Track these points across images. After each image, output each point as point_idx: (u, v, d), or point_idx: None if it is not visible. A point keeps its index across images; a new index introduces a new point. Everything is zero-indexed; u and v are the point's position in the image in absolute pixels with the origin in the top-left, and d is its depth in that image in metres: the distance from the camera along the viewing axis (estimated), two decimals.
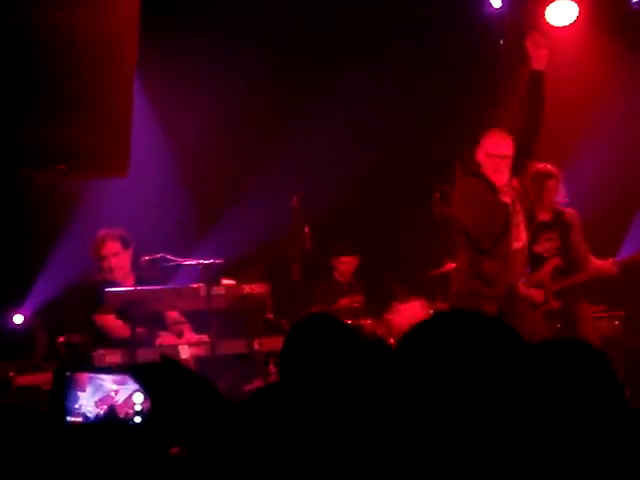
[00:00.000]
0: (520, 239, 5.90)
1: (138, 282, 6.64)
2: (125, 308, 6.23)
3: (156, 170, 8.33)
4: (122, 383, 1.98)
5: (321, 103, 8.69)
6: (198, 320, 6.77)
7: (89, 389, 1.98)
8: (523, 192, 5.92)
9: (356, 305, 8.26)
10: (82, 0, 6.29)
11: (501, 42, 9.24)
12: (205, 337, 6.54)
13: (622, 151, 8.79)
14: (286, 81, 8.90)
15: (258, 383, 6.75)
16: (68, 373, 2.01)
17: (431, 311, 7.26)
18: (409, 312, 7.69)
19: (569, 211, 7.00)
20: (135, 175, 6.91)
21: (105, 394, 1.99)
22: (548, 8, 8.78)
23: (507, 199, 5.81)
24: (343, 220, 8.84)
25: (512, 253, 5.85)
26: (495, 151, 5.84)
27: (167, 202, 8.46)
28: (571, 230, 6.92)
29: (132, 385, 1.99)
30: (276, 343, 6.90)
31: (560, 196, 6.93)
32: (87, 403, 1.98)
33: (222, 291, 6.41)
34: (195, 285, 6.39)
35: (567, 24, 8.83)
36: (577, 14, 8.76)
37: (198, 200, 8.63)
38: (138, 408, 1.97)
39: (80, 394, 1.99)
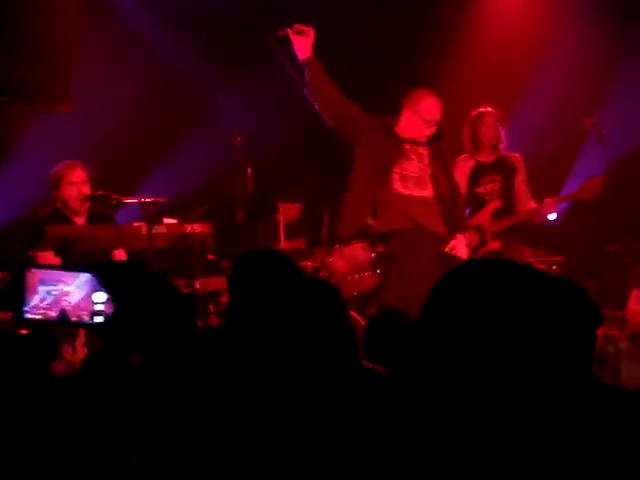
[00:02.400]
0: (425, 189, 6.04)
1: (90, 220, 6.58)
2: (65, 245, 6.16)
3: (99, 107, 8.23)
4: (76, 284, 1.94)
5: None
6: (140, 259, 6.72)
7: (41, 289, 1.93)
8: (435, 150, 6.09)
9: (298, 247, 8.26)
10: None
11: None
12: None
13: (564, 92, 8.87)
14: (237, 18, 8.80)
15: (198, 323, 6.74)
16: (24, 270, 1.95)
17: (372, 254, 7.26)
18: (349, 255, 7.70)
19: (513, 155, 7.05)
20: (78, 111, 6.83)
21: (56, 296, 1.94)
22: None
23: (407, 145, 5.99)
24: (287, 161, 8.81)
25: (410, 198, 6.01)
26: (423, 115, 6.01)
27: (109, 140, 8.36)
28: (515, 173, 6.96)
29: (86, 286, 1.95)
30: (217, 283, 6.91)
31: (500, 138, 6.95)
32: (40, 304, 1.94)
33: (164, 230, 6.37)
34: (136, 223, 6.34)
35: None
36: None
37: (141, 138, 8.54)
38: (100, 307, 1.93)
39: (33, 296, 1.95)
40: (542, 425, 1.75)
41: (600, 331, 3.13)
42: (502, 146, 6.98)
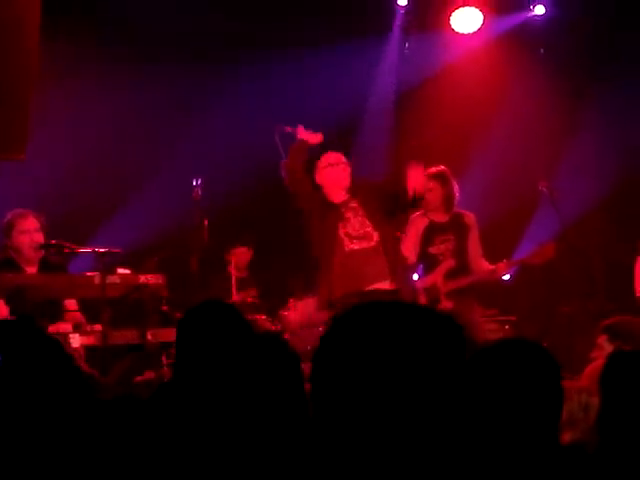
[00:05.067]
0: (371, 239, 6.45)
1: (42, 268, 6.53)
2: (16, 293, 6.10)
3: (56, 156, 8.20)
4: None
5: (223, 95, 8.71)
6: (93, 309, 6.67)
7: None
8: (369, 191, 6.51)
9: (250, 300, 8.25)
10: None
11: (406, 45, 9.37)
12: (98, 326, 6.45)
13: (519, 156, 9.00)
14: (190, 69, 8.86)
15: (149, 375, 6.68)
16: None
17: (327, 312, 7.27)
18: (304, 309, 7.70)
19: (466, 213, 7.10)
20: (35, 159, 6.79)
21: None
22: (453, 15, 8.92)
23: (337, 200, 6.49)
24: (241, 215, 8.83)
25: (357, 252, 6.41)
26: (327, 161, 6.55)
27: (65, 188, 8.33)
28: (468, 232, 7.01)
29: None
30: (170, 334, 6.83)
31: (453, 197, 7.01)
32: None
33: (117, 280, 6.33)
34: (90, 273, 6.30)
35: (471, 32, 9.00)
36: (481, 22, 8.92)
37: (98, 188, 8.52)
38: None
39: None
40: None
41: (573, 385, 3.17)
42: (455, 203, 7.03)
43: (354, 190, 6.53)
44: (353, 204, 6.51)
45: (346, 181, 6.51)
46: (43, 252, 6.57)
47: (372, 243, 6.43)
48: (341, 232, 6.44)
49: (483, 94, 9.26)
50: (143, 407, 2.72)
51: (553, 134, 9.08)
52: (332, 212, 6.48)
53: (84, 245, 6.62)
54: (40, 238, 6.52)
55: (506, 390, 2.20)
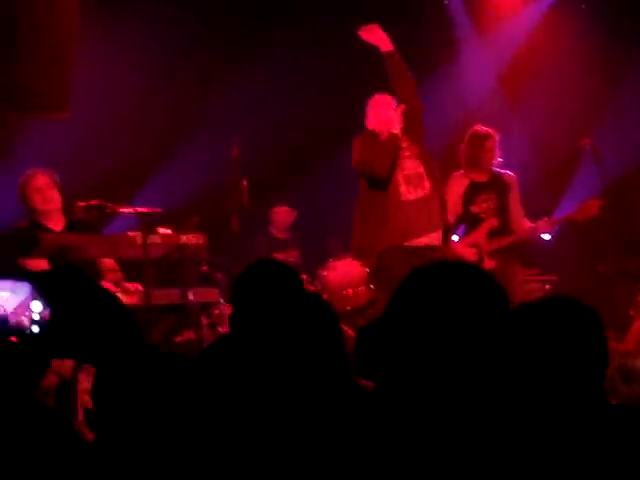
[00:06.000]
0: (422, 187, 6.26)
1: (69, 228, 6.53)
2: (59, 253, 6.13)
3: (98, 115, 8.23)
4: (14, 290, 1.91)
5: (263, 53, 8.68)
6: (133, 268, 6.71)
7: None
8: (417, 143, 6.32)
9: (292, 260, 8.26)
10: None
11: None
12: (139, 286, 6.48)
13: (562, 114, 8.91)
14: (228, 32, 8.84)
15: (189, 335, 6.73)
16: None
17: (366, 269, 7.25)
18: (344, 269, 7.71)
19: (507, 173, 7.06)
20: (77, 119, 6.80)
21: None
22: None
23: (395, 129, 6.22)
24: (282, 174, 8.82)
25: (414, 202, 6.20)
26: (379, 106, 6.33)
27: (107, 149, 8.36)
28: (509, 192, 6.97)
29: (25, 292, 1.91)
30: (210, 295, 6.89)
31: (496, 157, 6.98)
32: None
33: (158, 240, 6.35)
34: (131, 233, 6.32)
35: None
36: None
37: (138, 148, 8.53)
38: (36, 317, 1.89)
39: None
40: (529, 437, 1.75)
41: (622, 347, 3.15)
42: (496, 165, 6.99)
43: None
44: (404, 143, 6.32)
45: (399, 123, 6.24)
46: (61, 210, 6.56)
47: (426, 191, 6.28)
48: (399, 175, 6.25)
49: (526, 51, 9.15)
50: (193, 363, 2.74)
51: (596, 91, 8.97)
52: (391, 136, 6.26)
53: (125, 205, 6.63)
54: (54, 195, 6.51)
55: (550, 347, 2.18)
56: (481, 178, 6.98)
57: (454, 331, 1.71)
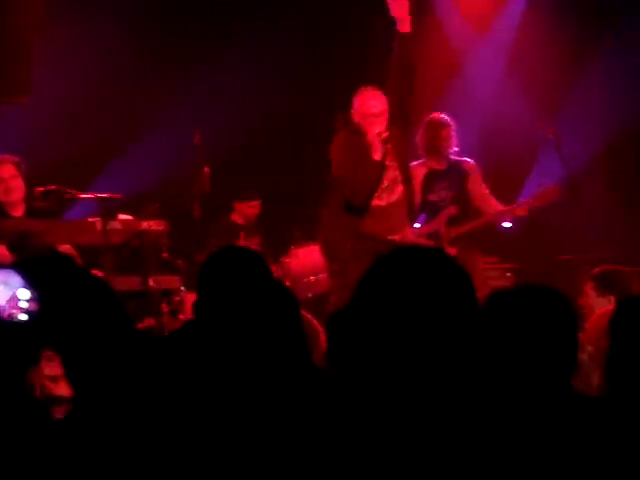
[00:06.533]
0: (395, 192, 6.16)
1: (29, 214, 6.47)
2: (18, 239, 6.07)
3: (57, 100, 8.14)
4: (6, 282, 1.88)
5: (225, 40, 8.63)
6: (92, 255, 6.65)
7: None
8: (399, 144, 6.13)
9: (253, 247, 8.21)
10: None
11: None
12: (99, 273, 6.43)
13: (521, 103, 8.94)
14: (192, 16, 8.78)
15: (149, 322, 6.70)
16: None
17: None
18: (306, 256, 7.70)
19: (465, 161, 7.07)
20: (35, 103, 6.73)
21: None
22: None
23: (378, 156, 5.99)
24: (244, 160, 8.78)
25: (385, 208, 6.10)
26: (369, 110, 6.03)
27: (66, 133, 8.27)
28: (467, 179, 6.97)
29: (15, 282, 1.88)
30: (171, 282, 6.87)
31: (453, 145, 6.98)
32: None
33: (118, 226, 6.31)
34: (91, 219, 6.27)
35: None
36: None
37: (98, 133, 8.46)
38: (24, 305, 1.86)
39: None
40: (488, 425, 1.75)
41: None
42: (453, 152, 7.00)
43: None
44: (388, 157, 6.12)
45: (380, 149, 6.05)
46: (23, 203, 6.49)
47: (397, 195, 6.20)
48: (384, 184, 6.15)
49: (488, 39, 9.17)
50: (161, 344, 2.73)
51: (558, 80, 9.01)
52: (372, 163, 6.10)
53: (84, 191, 6.57)
54: (17, 184, 6.45)
55: (522, 335, 2.18)
56: (439, 166, 6.98)
57: (421, 316, 1.69)
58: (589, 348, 3.11)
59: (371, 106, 6.06)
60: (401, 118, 6.14)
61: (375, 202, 6.13)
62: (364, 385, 1.72)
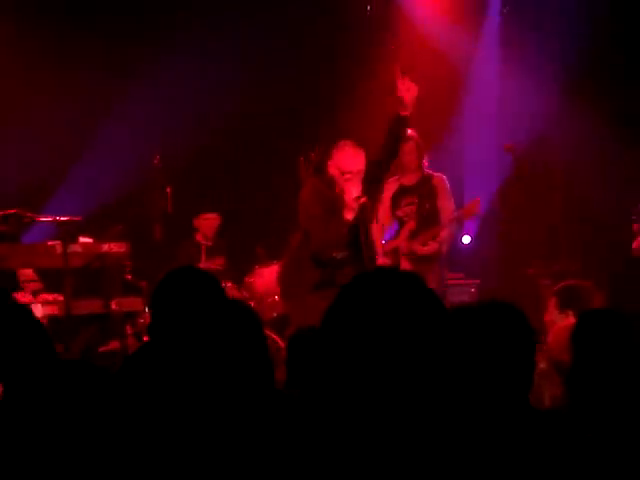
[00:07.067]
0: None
1: None
2: None
3: (13, 122, 8.07)
4: None
5: (187, 59, 8.59)
6: (53, 278, 6.59)
7: None
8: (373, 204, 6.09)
9: (217, 267, 8.17)
10: None
11: (368, 8, 9.30)
12: (60, 296, 6.37)
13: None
14: (151, 32, 8.71)
15: (114, 344, 6.64)
16: None
17: None
18: (271, 275, 7.67)
19: (437, 175, 7.05)
20: None
21: None
22: None
23: (350, 216, 5.91)
24: (206, 181, 8.74)
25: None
26: (347, 167, 5.93)
27: (23, 156, 8.19)
28: (435, 194, 6.98)
29: None
30: (134, 304, 6.81)
31: (419, 159, 6.98)
32: None
33: (79, 249, 6.26)
34: (51, 242, 6.22)
35: None
36: None
37: (56, 155, 8.37)
38: None
39: None
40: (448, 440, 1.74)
41: None
42: (425, 165, 6.99)
43: None
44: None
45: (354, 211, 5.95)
46: None
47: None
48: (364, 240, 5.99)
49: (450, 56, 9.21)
50: (110, 376, 2.68)
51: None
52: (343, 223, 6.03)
53: (41, 213, 6.51)
54: None
55: (479, 352, 2.17)
56: (409, 181, 6.99)
57: (392, 339, 1.71)
58: (541, 365, 3.11)
59: (350, 164, 5.94)
60: (376, 177, 6.13)
61: (339, 255, 6.02)
62: (331, 405, 1.71)
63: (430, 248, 6.88)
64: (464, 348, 2.16)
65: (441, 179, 7.05)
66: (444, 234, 6.92)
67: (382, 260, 6.69)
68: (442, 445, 1.70)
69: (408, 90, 5.76)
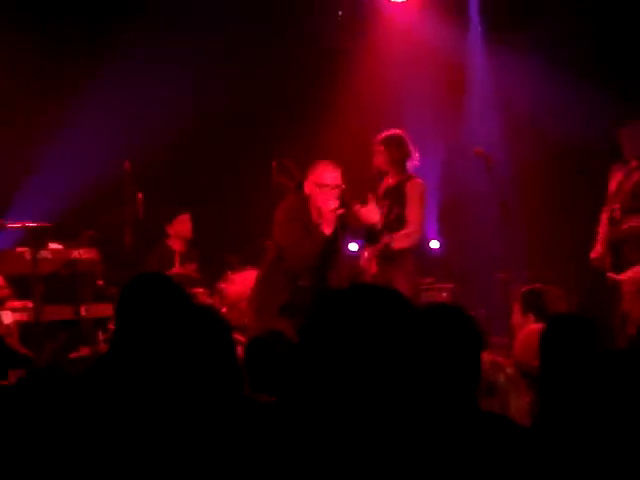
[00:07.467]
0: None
1: None
2: None
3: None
4: None
5: (156, 63, 8.56)
6: (23, 285, 6.54)
7: None
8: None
9: (189, 273, 8.15)
10: None
11: (340, 13, 9.32)
12: (29, 303, 6.33)
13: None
14: (116, 33, 8.66)
15: (85, 351, 6.61)
16: None
17: None
18: (243, 282, 7.65)
19: (411, 181, 6.89)
20: None
21: None
22: None
23: (328, 230, 6.05)
24: (177, 187, 8.70)
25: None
26: (324, 181, 6.10)
27: None
28: (405, 199, 6.82)
29: None
30: (105, 310, 6.77)
31: (384, 162, 6.93)
32: None
33: (49, 255, 6.24)
34: (20, 248, 6.18)
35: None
36: None
37: (24, 161, 8.29)
38: None
39: None
40: (416, 447, 1.74)
41: (488, 358, 3.14)
42: (415, 165, 6.90)
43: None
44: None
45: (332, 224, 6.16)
46: None
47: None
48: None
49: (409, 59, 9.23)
50: (74, 382, 2.66)
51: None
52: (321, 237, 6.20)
53: (12, 220, 6.47)
54: None
55: (425, 354, 2.17)
56: (390, 182, 6.90)
57: (367, 350, 1.75)
58: (507, 370, 3.10)
59: (327, 178, 6.12)
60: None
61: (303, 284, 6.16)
62: (299, 412, 1.72)
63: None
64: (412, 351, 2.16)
65: (413, 184, 6.85)
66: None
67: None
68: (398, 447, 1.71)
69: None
